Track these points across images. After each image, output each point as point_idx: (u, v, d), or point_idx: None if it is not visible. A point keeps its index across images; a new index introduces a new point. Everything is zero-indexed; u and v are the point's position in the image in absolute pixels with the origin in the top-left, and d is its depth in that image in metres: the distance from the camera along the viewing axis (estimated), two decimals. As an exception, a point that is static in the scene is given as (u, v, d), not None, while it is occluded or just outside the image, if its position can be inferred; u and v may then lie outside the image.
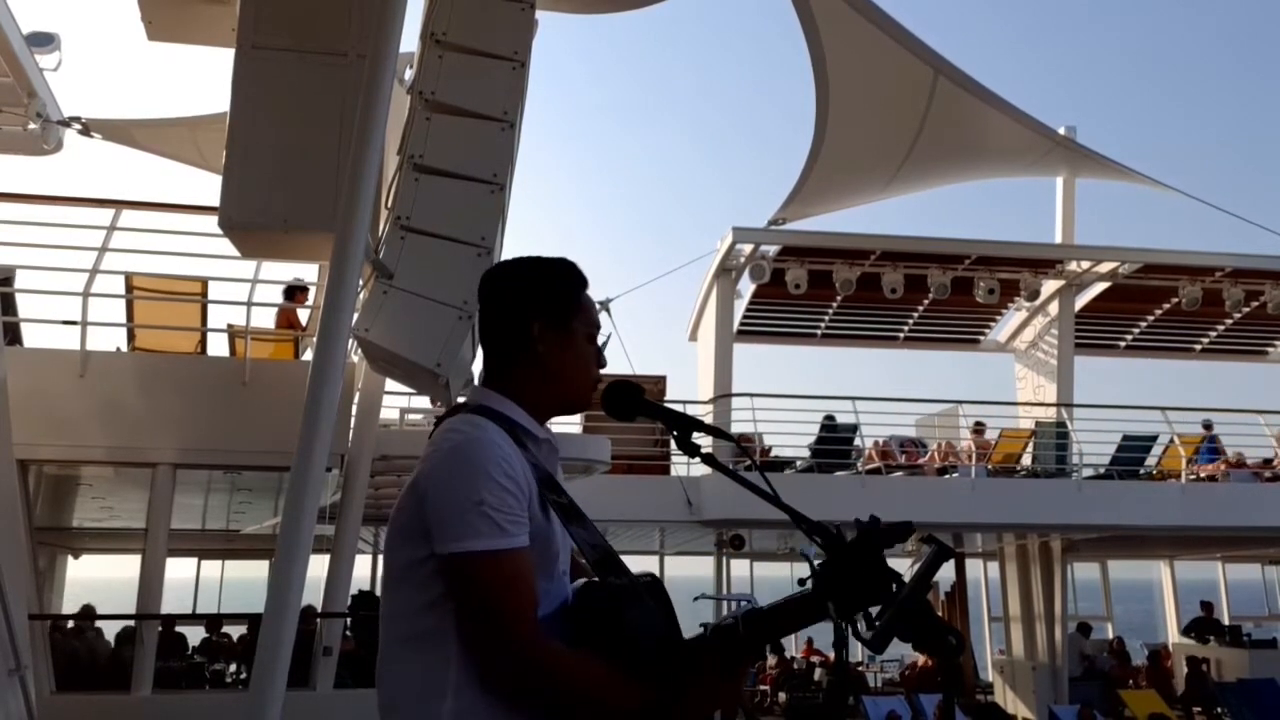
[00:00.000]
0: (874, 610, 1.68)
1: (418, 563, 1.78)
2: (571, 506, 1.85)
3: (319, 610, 8.88)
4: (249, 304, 8.98)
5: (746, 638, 1.78)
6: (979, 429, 15.11)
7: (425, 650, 1.77)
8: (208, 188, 13.54)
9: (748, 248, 14.95)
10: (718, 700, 1.78)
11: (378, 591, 12.94)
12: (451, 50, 6.84)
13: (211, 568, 17.74)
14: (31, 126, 10.36)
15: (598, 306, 2.07)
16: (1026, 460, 14.96)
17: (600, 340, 2.02)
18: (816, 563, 1.74)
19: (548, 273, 1.97)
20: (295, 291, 10.12)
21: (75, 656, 9.61)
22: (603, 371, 2.00)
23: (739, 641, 1.79)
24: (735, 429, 13.46)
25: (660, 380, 14.48)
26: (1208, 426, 15.74)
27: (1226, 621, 18.67)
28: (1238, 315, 16.89)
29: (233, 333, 9.37)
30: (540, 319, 1.91)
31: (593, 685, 1.73)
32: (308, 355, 9.19)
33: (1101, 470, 14.89)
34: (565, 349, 1.93)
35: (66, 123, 10.90)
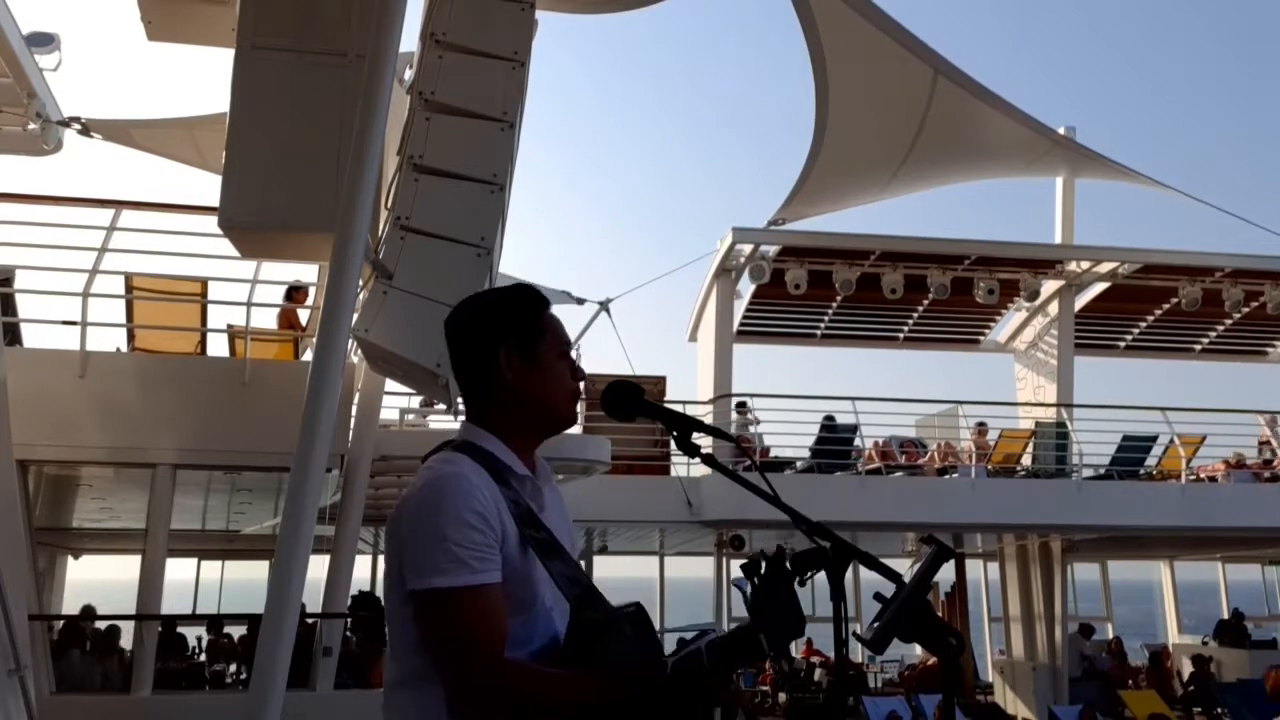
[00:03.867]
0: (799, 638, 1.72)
1: (402, 603, 1.80)
2: (550, 542, 1.86)
3: (311, 611, 8.86)
4: (249, 304, 8.98)
5: (711, 669, 1.79)
6: (982, 429, 15.11)
7: (419, 689, 1.80)
8: (208, 188, 13.53)
9: (747, 248, 14.95)
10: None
11: (378, 592, 12.95)
12: (451, 50, 6.83)
13: (211, 568, 17.74)
14: (31, 126, 10.34)
15: (588, 312, 2.08)
16: (1026, 460, 14.96)
17: (573, 353, 2.03)
18: (747, 596, 1.75)
19: (506, 302, 1.99)
20: (295, 291, 10.11)
21: (75, 657, 9.61)
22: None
23: (705, 672, 1.79)
24: (735, 429, 13.45)
25: (660, 380, 14.48)
26: None
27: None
28: (1237, 315, 16.89)
29: (233, 333, 9.37)
30: (505, 348, 1.93)
31: (566, 703, 1.75)
32: (308, 355, 9.19)
33: (1101, 470, 14.90)
34: (536, 372, 1.94)
35: (66, 123, 10.88)
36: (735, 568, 16.84)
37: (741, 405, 14.58)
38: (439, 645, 1.76)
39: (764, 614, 1.72)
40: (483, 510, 1.77)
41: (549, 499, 1.98)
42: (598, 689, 1.75)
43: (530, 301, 1.99)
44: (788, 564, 1.73)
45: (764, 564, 1.74)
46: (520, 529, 1.82)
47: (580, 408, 14.51)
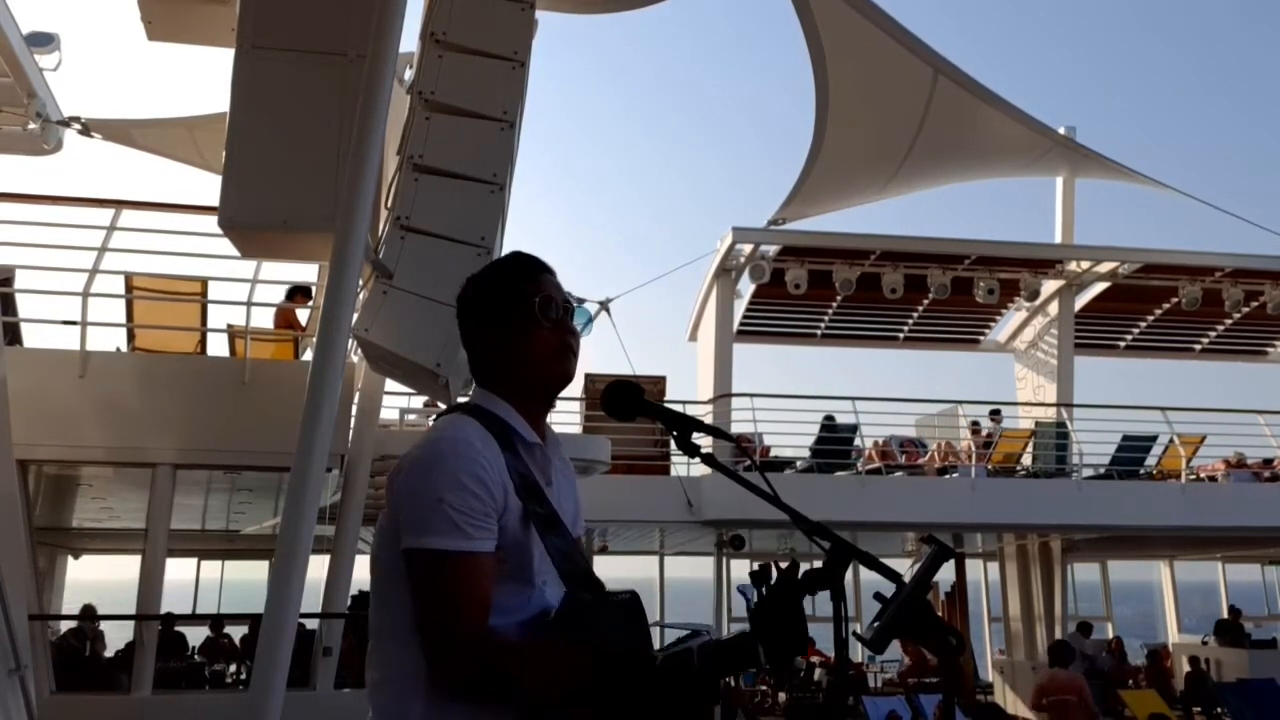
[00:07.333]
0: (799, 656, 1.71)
1: (393, 560, 1.80)
2: (551, 517, 1.86)
3: (310, 611, 8.86)
4: (249, 304, 8.98)
5: (701, 670, 1.76)
6: (975, 428, 15.13)
7: (402, 646, 1.78)
8: (208, 188, 13.55)
9: (747, 248, 14.95)
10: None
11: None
12: (451, 50, 6.83)
13: (211, 568, 17.75)
14: (31, 126, 10.36)
15: (563, 288, 2.06)
16: (1026, 460, 14.96)
17: (567, 309, 2.00)
18: (751, 604, 1.73)
19: (490, 272, 2.03)
20: (297, 293, 10.11)
21: (76, 656, 9.62)
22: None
23: (694, 674, 1.76)
24: (735, 429, 13.45)
25: (660, 380, 14.46)
26: None
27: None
28: (1237, 315, 16.90)
29: (233, 333, 9.37)
30: (489, 315, 1.96)
31: (540, 670, 1.74)
32: (308, 355, 9.19)
33: (1101, 470, 14.90)
34: (526, 332, 1.94)
35: (66, 123, 10.89)
36: (740, 571, 16.94)
37: (996, 413, 14.79)
38: (422, 605, 1.76)
39: (767, 625, 1.70)
40: (484, 476, 1.77)
41: (558, 467, 1.99)
42: (572, 663, 1.74)
43: (517, 265, 2.02)
44: (799, 578, 1.71)
45: (775, 574, 1.72)
46: (523, 502, 1.82)
47: (580, 407, 14.32)
